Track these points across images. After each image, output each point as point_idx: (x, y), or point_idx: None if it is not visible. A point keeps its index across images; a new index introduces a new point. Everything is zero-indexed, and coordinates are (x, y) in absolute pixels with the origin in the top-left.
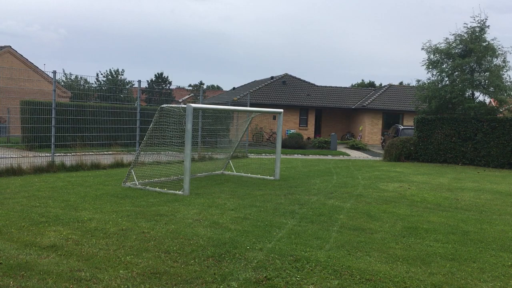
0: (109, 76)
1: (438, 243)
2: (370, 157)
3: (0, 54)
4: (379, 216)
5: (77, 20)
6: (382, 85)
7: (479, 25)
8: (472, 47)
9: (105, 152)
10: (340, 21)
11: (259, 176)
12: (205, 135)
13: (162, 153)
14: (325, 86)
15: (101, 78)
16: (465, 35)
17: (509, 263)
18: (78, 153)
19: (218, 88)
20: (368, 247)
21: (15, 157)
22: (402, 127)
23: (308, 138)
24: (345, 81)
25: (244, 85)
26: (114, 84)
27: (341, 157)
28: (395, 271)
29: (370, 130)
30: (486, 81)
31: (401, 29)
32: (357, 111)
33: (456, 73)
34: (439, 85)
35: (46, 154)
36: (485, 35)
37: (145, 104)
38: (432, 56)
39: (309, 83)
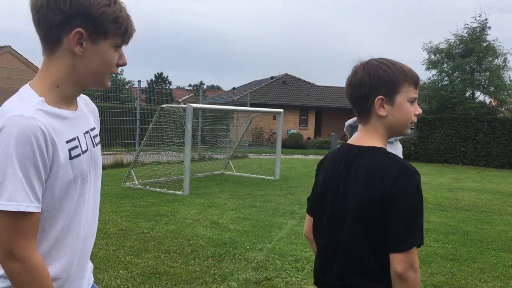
0: None
1: (438, 243)
2: None
3: (0, 54)
4: None
5: None
6: None
7: (479, 25)
8: (472, 47)
9: (105, 152)
10: (340, 21)
11: (259, 176)
12: (205, 135)
13: (162, 153)
14: (325, 86)
15: None
16: (466, 35)
17: (510, 263)
18: None
19: (218, 88)
20: None
21: None
22: None
23: (308, 138)
24: (345, 81)
25: (244, 85)
26: (114, 84)
27: None
28: None
29: None
30: (487, 81)
31: (401, 29)
32: None
33: (456, 73)
34: (439, 85)
35: None
36: (486, 35)
37: (145, 104)
38: (432, 56)
39: (309, 83)
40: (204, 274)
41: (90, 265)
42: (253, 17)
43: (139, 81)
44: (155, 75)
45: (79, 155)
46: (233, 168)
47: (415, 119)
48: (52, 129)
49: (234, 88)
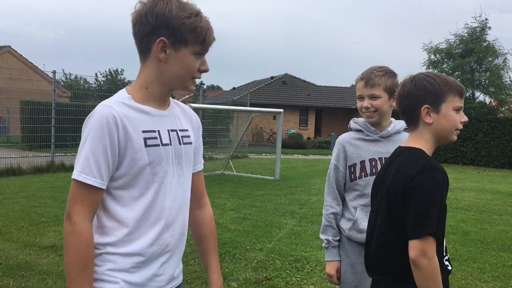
0: (109, 76)
1: None
2: None
3: (0, 54)
4: None
5: (75, 19)
6: None
7: (480, 25)
8: (472, 47)
9: None
10: (340, 21)
11: (259, 176)
12: (205, 135)
13: None
14: (325, 86)
15: (100, 78)
16: (466, 35)
17: (510, 263)
18: None
19: (218, 88)
20: None
21: (14, 157)
22: None
23: (308, 138)
24: (345, 81)
25: (244, 85)
26: (114, 84)
27: None
28: None
29: None
30: (487, 81)
31: (401, 29)
32: (357, 111)
33: (457, 73)
34: None
35: (46, 154)
36: (486, 35)
37: None
38: (432, 56)
39: (309, 83)
40: (204, 274)
41: (180, 266)
42: (253, 17)
43: None
44: None
45: (157, 145)
46: (233, 168)
47: (460, 126)
48: (126, 118)
49: (234, 88)
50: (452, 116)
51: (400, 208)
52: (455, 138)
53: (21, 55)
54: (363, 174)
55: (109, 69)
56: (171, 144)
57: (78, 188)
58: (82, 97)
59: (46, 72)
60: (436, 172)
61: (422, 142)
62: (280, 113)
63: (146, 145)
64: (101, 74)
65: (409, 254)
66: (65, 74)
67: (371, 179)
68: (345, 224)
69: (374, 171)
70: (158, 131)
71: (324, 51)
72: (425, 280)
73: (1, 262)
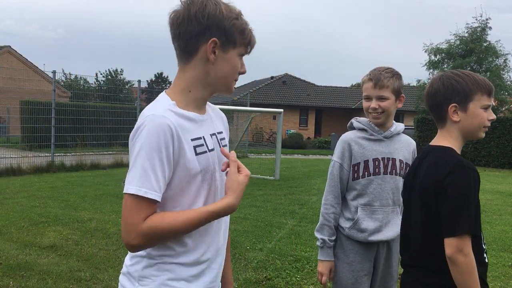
0: (109, 76)
1: None
2: None
3: (0, 54)
4: None
5: (75, 19)
6: None
7: (480, 25)
8: (472, 47)
9: (105, 152)
10: (340, 21)
11: (259, 176)
12: None
13: None
14: (325, 86)
15: (100, 78)
16: (466, 35)
17: (510, 263)
18: (78, 153)
19: None
20: None
21: (14, 157)
22: None
23: (308, 138)
24: (345, 81)
25: (244, 85)
26: (114, 84)
27: None
28: None
29: None
30: None
31: (401, 28)
32: (357, 111)
33: None
34: None
35: (46, 154)
36: (487, 35)
37: (145, 104)
38: (433, 57)
39: (309, 83)
40: None
41: (220, 273)
42: (253, 17)
43: (139, 81)
44: (155, 75)
45: (205, 152)
46: None
47: (488, 124)
48: (179, 127)
49: (234, 88)
50: (480, 114)
51: (434, 205)
52: (483, 135)
53: (21, 55)
54: (366, 173)
55: (109, 69)
56: (214, 149)
57: (136, 202)
58: (82, 97)
59: (46, 72)
60: (467, 171)
61: (451, 139)
62: (280, 113)
63: (196, 154)
64: (101, 74)
65: (446, 252)
66: (65, 74)
67: (373, 179)
68: (344, 223)
69: (376, 171)
70: (203, 137)
71: (324, 51)
72: (462, 275)
73: (1, 262)
